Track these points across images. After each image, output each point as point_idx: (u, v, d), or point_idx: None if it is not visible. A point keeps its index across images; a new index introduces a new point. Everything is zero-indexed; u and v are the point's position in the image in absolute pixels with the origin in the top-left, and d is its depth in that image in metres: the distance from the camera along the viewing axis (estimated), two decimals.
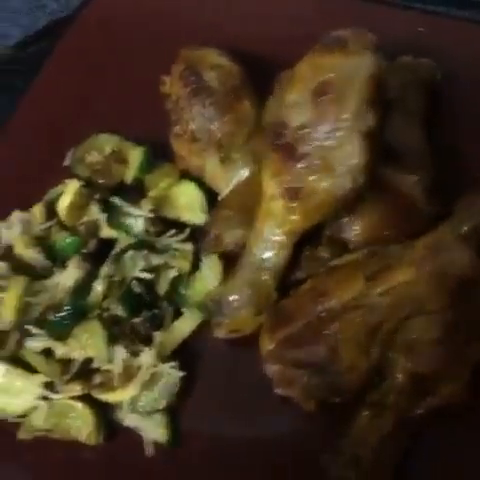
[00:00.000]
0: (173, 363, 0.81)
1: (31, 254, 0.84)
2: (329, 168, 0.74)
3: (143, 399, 0.80)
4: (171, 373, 0.80)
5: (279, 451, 0.77)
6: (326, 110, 0.75)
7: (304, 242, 0.80)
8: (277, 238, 0.78)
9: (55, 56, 1.03)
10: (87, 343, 0.80)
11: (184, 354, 0.82)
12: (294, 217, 0.77)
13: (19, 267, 0.84)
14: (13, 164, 0.97)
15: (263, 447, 0.77)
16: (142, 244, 0.84)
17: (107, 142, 0.95)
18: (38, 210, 0.90)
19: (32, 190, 0.92)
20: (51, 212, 0.90)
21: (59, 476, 0.78)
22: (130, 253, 0.83)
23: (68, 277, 0.83)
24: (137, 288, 0.82)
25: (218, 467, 0.77)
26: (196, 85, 0.87)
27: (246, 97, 0.88)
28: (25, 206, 0.90)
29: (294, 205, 0.76)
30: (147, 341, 0.82)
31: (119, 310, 0.81)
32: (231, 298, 0.80)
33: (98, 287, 0.81)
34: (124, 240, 0.85)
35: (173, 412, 0.80)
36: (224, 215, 0.84)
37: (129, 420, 0.79)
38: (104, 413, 0.80)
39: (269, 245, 0.79)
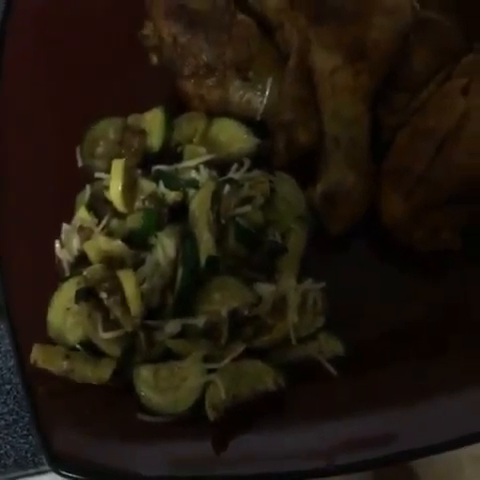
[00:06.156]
0: (310, 279, 0.78)
1: (118, 244, 0.77)
2: (383, 8, 0.74)
3: (303, 324, 0.76)
4: (313, 288, 0.77)
5: None
6: None
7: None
8: (354, 109, 0.76)
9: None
10: (224, 299, 0.75)
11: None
12: (364, 77, 0.75)
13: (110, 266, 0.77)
14: None
15: None
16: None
17: (107, 126, 0.88)
18: (83, 214, 0.82)
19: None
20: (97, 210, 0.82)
21: None
22: (224, 194, 0.78)
23: (167, 248, 0.76)
24: (244, 223, 0.77)
25: None
26: (188, 15, 0.83)
27: (237, 9, 0.85)
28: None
29: (362, 64, 0.75)
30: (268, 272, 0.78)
31: (240, 250, 0.76)
32: (337, 188, 0.77)
33: (205, 237, 0.76)
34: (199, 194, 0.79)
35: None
36: (284, 121, 0.80)
37: (301, 350, 0.75)
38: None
39: (348, 121, 0.77)
